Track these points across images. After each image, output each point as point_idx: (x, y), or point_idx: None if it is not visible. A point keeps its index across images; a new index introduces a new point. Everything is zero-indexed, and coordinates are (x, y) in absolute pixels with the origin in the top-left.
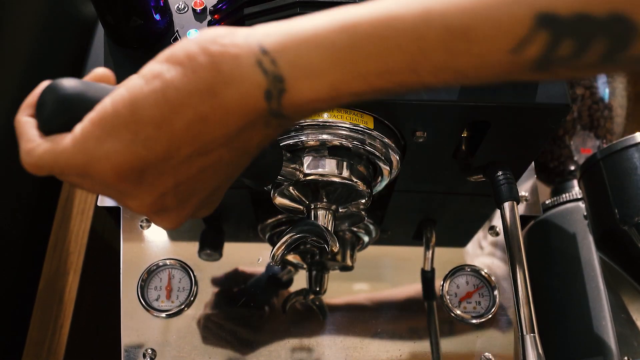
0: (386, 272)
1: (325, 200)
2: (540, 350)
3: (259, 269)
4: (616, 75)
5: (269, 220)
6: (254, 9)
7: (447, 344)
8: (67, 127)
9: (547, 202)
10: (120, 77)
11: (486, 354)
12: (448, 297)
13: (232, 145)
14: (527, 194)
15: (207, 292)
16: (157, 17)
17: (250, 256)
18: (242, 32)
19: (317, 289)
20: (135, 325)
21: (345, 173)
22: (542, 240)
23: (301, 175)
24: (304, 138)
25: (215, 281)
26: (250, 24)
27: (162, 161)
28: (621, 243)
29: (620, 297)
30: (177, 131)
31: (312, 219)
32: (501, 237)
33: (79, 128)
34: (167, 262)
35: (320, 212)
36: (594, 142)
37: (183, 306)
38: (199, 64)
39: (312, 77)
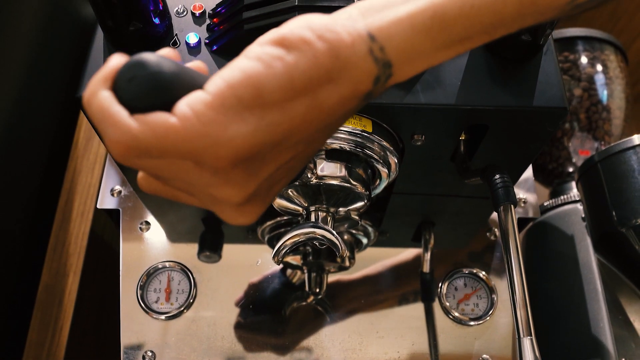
0: (385, 273)
1: (324, 203)
2: (537, 353)
3: (258, 271)
4: (614, 77)
5: (268, 223)
6: (253, 13)
7: (445, 346)
8: (158, 107)
9: (545, 204)
10: None
11: (484, 355)
12: (446, 299)
13: (329, 130)
14: (525, 196)
15: (206, 294)
16: (157, 20)
17: (249, 258)
18: (345, 19)
19: (316, 290)
20: (135, 327)
21: (344, 176)
22: (540, 242)
23: (302, 179)
24: None
25: (215, 283)
26: (249, 28)
27: (275, 146)
28: (619, 245)
29: (617, 299)
30: (296, 117)
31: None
32: (499, 239)
33: (190, 110)
34: (167, 264)
35: (320, 215)
36: (592, 144)
37: (182, 308)
38: (319, 50)
39: (414, 60)
